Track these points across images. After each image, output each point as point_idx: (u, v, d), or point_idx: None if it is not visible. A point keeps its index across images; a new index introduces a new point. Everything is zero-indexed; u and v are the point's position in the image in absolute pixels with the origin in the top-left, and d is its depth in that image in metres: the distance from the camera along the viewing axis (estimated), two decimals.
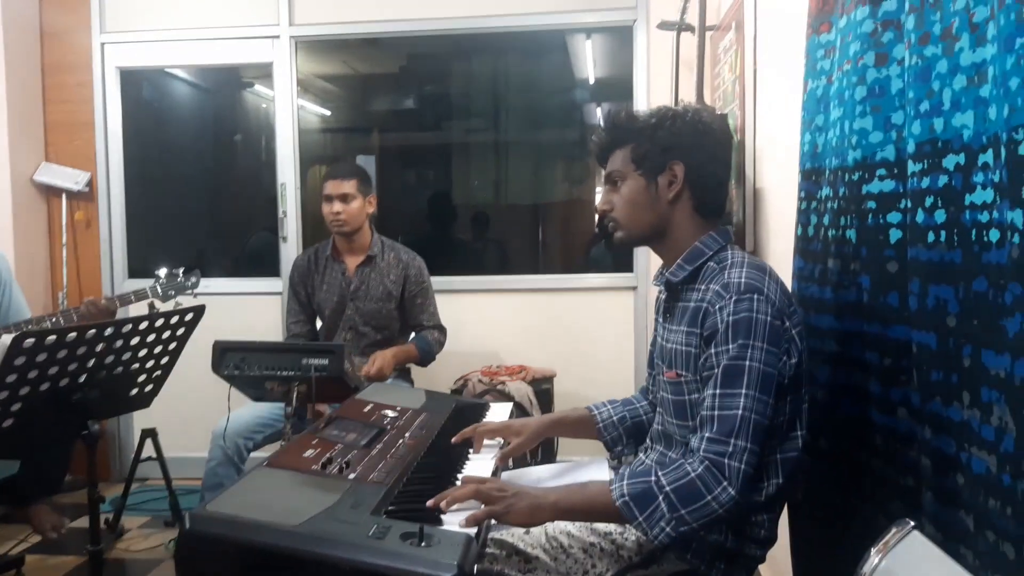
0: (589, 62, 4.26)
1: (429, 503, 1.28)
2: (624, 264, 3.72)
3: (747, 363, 1.29)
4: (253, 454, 2.64)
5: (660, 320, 1.57)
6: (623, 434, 1.71)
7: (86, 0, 3.77)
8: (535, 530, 1.40)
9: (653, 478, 1.28)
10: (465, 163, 4.53)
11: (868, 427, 1.36)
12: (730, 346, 1.31)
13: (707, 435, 1.29)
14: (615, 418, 1.72)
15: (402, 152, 4.64)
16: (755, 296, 1.32)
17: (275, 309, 3.76)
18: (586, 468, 1.73)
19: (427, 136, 4.54)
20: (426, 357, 2.96)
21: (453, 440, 1.68)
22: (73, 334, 1.62)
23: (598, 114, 4.40)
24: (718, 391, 1.30)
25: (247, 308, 3.74)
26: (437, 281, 3.12)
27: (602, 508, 1.30)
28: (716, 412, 1.30)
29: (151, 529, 3.20)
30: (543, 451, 2.91)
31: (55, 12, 3.80)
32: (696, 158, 1.45)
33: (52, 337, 1.59)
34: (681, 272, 1.45)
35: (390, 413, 1.79)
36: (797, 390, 1.37)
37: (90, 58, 3.79)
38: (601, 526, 1.42)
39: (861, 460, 1.41)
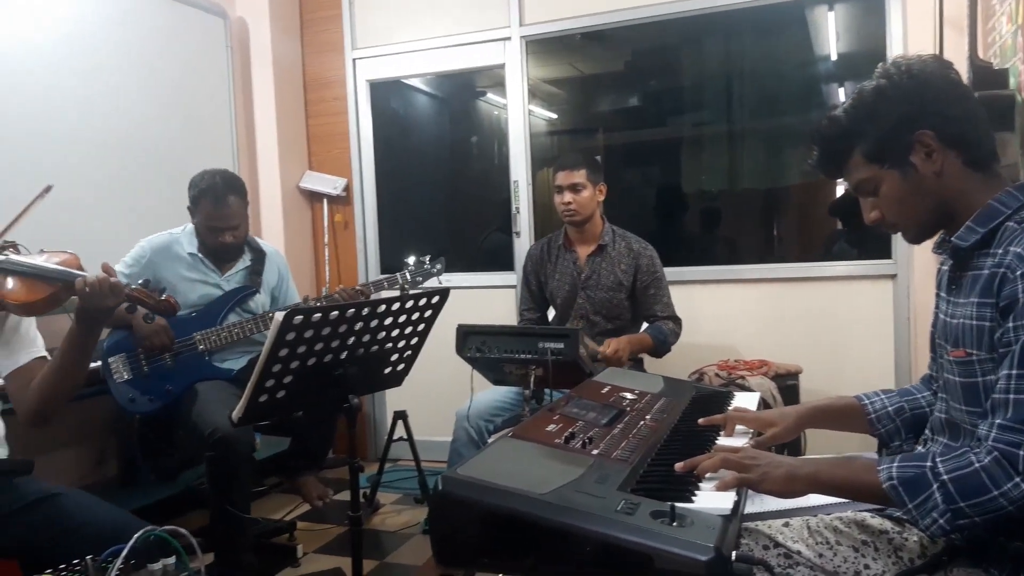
0: (832, 35, 3.91)
1: (677, 466, 1.26)
2: (879, 250, 3.37)
3: None
4: (491, 438, 2.72)
5: (943, 295, 1.36)
6: (900, 427, 1.50)
7: (340, 22, 4.15)
8: (795, 523, 1.27)
9: (929, 463, 1.12)
10: (693, 154, 4.36)
11: None
12: None
13: (999, 421, 1.10)
14: (891, 408, 1.51)
15: (628, 149, 4.58)
16: None
17: (510, 301, 3.88)
18: None
19: (653, 132, 4.44)
20: (661, 347, 2.87)
21: (700, 421, 1.59)
22: (335, 312, 1.75)
23: (841, 94, 4.04)
24: (1015, 371, 1.10)
25: (483, 300, 3.90)
26: (668, 272, 3.02)
27: (866, 488, 1.17)
28: (1012, 396, 1.10)
29: (403, 506, 3.43)
30: (789, 452, 2.70)
31: (314, 35, 4.24)
32: (937, 111, 1.23)
33: (317, 315, 1.73)
34: (971, 235, 1.24)
35: (628, 395, 1.74)
36: None
37: (344, 74, 4.17)
38: (876, 524, 1.25)
39: None
